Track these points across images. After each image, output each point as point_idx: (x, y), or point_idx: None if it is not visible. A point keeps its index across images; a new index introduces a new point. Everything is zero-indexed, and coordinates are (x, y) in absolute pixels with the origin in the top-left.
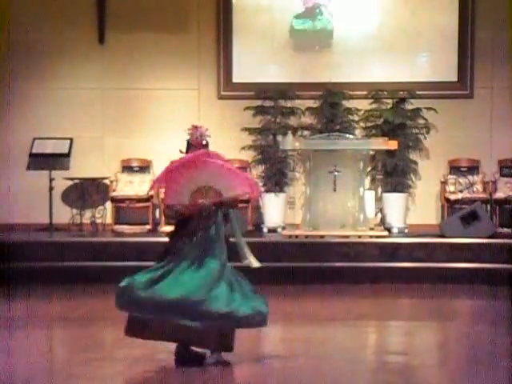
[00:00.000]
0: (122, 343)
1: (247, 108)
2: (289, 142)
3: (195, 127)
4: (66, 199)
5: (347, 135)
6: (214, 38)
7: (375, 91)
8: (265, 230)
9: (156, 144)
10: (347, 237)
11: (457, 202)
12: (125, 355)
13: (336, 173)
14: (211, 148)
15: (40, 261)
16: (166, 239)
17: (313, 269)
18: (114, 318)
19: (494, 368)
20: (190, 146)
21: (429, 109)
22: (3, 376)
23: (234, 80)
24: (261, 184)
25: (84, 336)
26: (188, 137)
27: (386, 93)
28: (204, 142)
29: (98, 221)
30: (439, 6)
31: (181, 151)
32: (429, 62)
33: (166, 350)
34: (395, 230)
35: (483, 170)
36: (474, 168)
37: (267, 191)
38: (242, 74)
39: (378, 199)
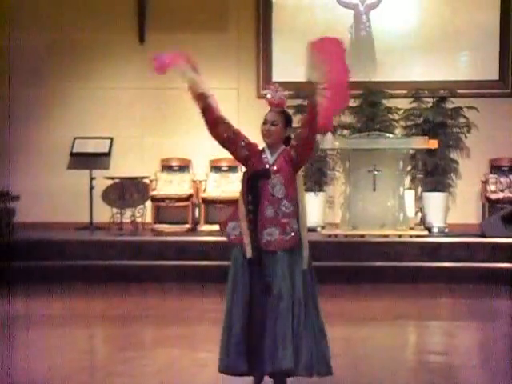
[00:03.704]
0: (161, 342)
1: (287, 107)
2: (328, 141)
3: (272, 87)
4: (106, 198)
5: (387, 134)
6: (253, 37)
7: (415, 90)
8: None
9: (195, 143)
10: (387, 236)
11: (498, 201)
12: (164, 354)
13: (376, 172)
14: None
15: (80, 259)
16: None
17: (352, 268)
18: (153, 316)
19: None
20: None
21: (470, 108)
22: (44, 373)
23: (274, 79)
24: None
25: (124, 334)
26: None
27: (426, 92)
28: (276, 102)
29: (138, 220)
30: (480, 4)
31: None
32: (470, 60)
33: (205, 349)
34: (435, 230)
35: None
36: None
37: (306, 190)
38: (281, 72)
39: (418, 198)
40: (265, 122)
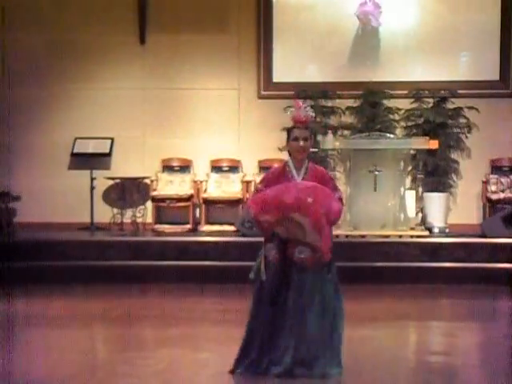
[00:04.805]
0: (162, 342)
1: (287, 107)
2: (329, 142)
3: (298, 105)
4: (106, 199)
5: (388, 135)
6: (254, 38)
7: (416, 90)
8: None
9: (196, 144)
10: (388, 236)
11: (498, 201)
12: (165, 354)
13: (376, 172)
14: (253, 145)
15: (81, 260)
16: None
17: (353, 268)
18: (154, 316)
19: None
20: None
21: (470, 108)
22: (46, 373)
23: (275, 80)
24: None
25: (124, 335)
26: (289, 114)
27: (426, 92)
28: (305, 119)
29: (139, 220)
30: (480, 4)
31: (280, 149)
32: (470, 60)
33: (206, 350)
34: (436, 230)
35: None
36: None
37: None
38: (282, 73)
39: (419, 199)
40: (296, 139)
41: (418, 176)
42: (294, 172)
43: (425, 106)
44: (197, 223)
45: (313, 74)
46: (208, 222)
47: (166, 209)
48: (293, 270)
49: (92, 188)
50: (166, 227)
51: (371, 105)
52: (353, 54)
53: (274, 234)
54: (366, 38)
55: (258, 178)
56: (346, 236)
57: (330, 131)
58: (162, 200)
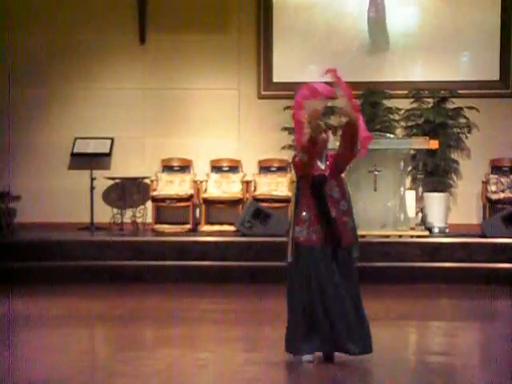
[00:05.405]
0: (161, 342)
1: (287, 107)
2: (329, 142)
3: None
4: (106, 198)
5: (388, 135)
6: (254, 38)
7: (416, 90)
8: None
9: (196, 143)
10: (388, 236)
11: (498, 201)
12: (165, 354)
13: (376, 172)
14: (253, 145)
15: (81, 259)
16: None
17: None
18: (154, 316)
19: None
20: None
21: (470, 108)
22: (44, 373)
23: (275, 80)
24: None
25: (124, 335)
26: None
27: (426, 92)
28: None
29: (139, 220)
30: (480, 4)
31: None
32: (470, 60)
33: (205, 349)
34: (436, 230)
35: None
36: None
37: None
38: (282, 73)
39: (419, 199)
40: None
41: (418, 176)
42: (317, 160)
43: (425, 106)
44: (197, 223)
45: (313, 73)
46: (208, 222)
47: (166, 209)
48: (334, 249)
49: (92, 188)
50: (166, 227)
51: (371, 105)
52: (353, 54)
53: (307, 216)
54: (379, 18)
55: (258, 178)
56: None
57: (330, 131)
58: (162, 200)
